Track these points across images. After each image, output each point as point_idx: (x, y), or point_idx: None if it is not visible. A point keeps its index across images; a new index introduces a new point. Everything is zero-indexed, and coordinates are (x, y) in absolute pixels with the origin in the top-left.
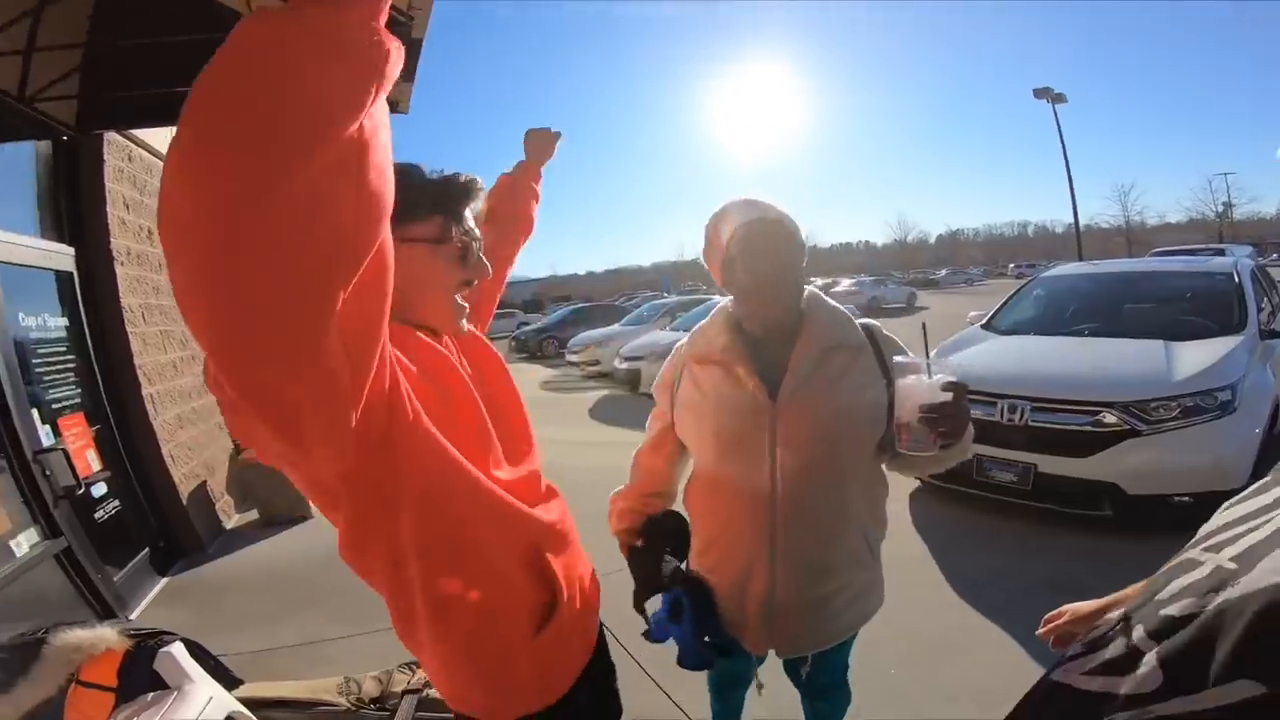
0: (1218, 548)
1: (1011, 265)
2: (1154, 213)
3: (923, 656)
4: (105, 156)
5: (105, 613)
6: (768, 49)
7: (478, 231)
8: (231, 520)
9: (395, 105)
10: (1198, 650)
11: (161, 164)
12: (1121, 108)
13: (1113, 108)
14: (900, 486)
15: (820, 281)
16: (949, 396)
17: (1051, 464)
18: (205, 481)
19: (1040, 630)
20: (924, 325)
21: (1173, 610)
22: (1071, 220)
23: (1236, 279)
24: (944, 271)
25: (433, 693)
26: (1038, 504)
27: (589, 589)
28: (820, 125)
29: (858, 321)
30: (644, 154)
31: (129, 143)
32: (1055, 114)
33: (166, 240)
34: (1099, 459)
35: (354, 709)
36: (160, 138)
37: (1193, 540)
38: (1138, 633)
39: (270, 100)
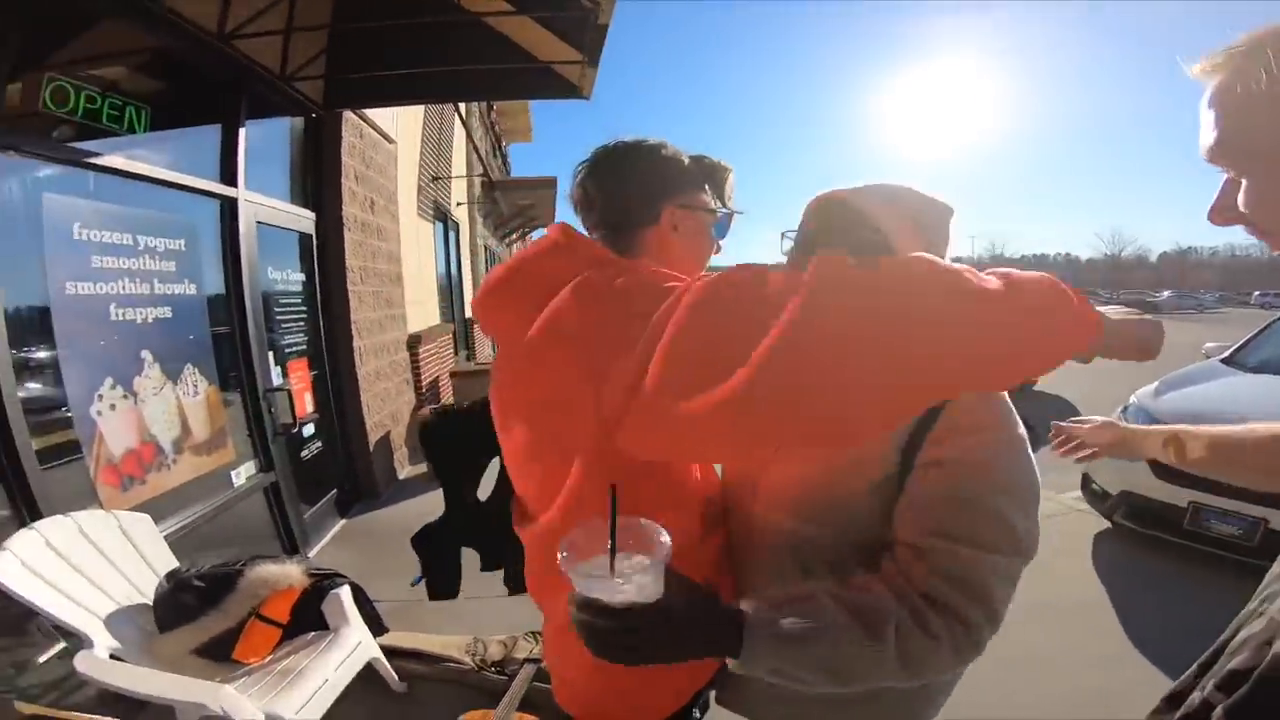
0: (1273, 598)
1: (1256, 294)
2: None
3: (1073, 707)
4: (343, 133)
5: (291, 548)
6: (952, 42)
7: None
8: (404, 471)
9: (579, 90)
10: (1259, 705)
11: (382, 140)
12: None
13: None
14: (1084, 524)
15: None
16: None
17: None
18: (389, 432)
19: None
20: (612, 490)
21: (1235, 663)
22: None
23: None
24: (1167, 294)
25: None
26: (1262, 562)
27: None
28: (1016, 125)
29: None
30: (796, 146)
31: (360, 121)
32: None
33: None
34: None
35: (476, 669)
36: (384, 118)
37: (1260, 586)
38: (1209, 686)
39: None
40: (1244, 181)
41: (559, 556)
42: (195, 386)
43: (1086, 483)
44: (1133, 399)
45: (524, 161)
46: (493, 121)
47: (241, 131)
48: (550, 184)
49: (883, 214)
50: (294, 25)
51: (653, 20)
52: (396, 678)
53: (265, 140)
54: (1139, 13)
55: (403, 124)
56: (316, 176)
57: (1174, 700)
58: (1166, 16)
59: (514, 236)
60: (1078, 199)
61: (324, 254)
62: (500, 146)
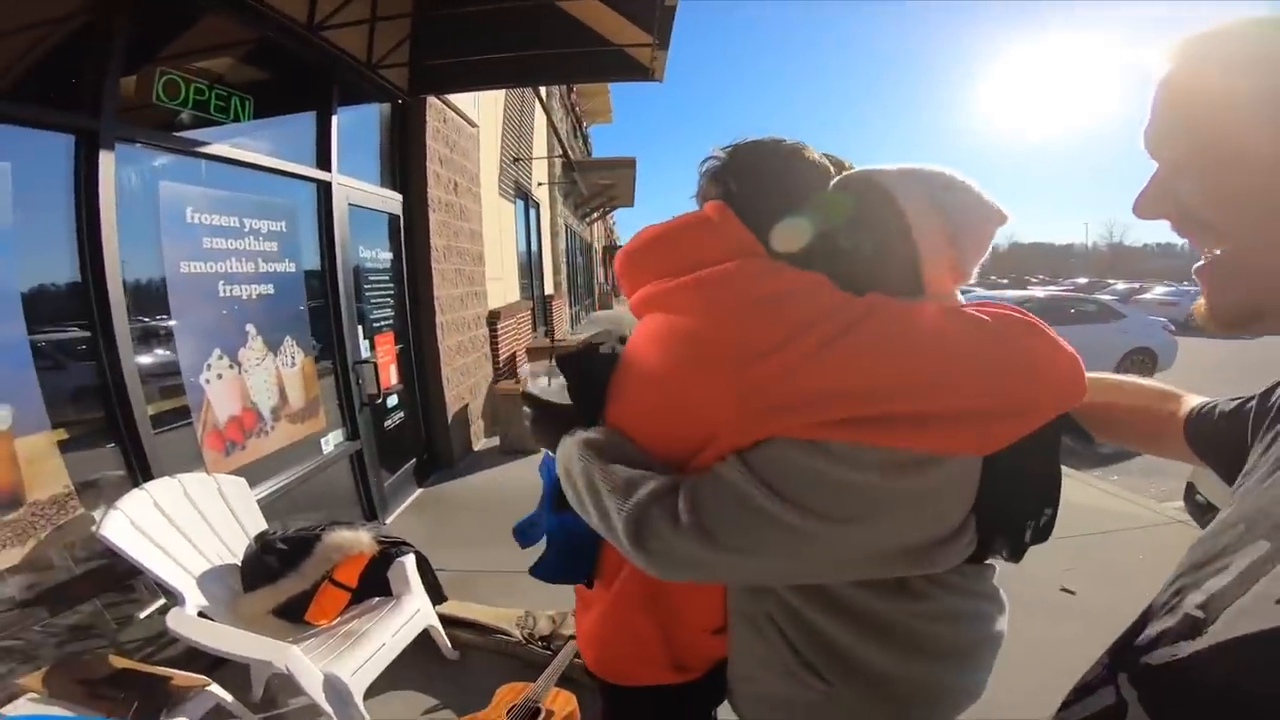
0: (1185, 591)
1: None
2: None
3: None
4: (427, 118)
5: (370, 514)
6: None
7: None
8: (479, 443)
9: (651, 73)
10: (1180, 700)
11: (465, 124)
12: None
13: None
14: (1185, 537)
15: (1122, 285)
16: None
17: None
18: (467, 405)
19: None
20: (554, 344)
21: (1150, 659)
22: None
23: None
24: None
25: None
26: None
27: None
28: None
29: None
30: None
31: (444, 106)
32: None
33: None
34: None
35: (524, 642)
36: (466, 102)
37: (1172, 574)
38: (1122, 682)
39: None
40: (1191, 175)
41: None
42: (293, 358)
43: (1190, 493)
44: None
45: (605, 142)
46: (573, 103)
47: (334, 118)
48: (629, 164)
49: (922, 220)
50: (378, 15)
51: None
52: (450, 646)
53: (355, 126)
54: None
55: (484, 108)
56: (403, 160)
57: (1084, 691)
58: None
59: (594, 215)
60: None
61: (410, 234)
62: (581, 128)
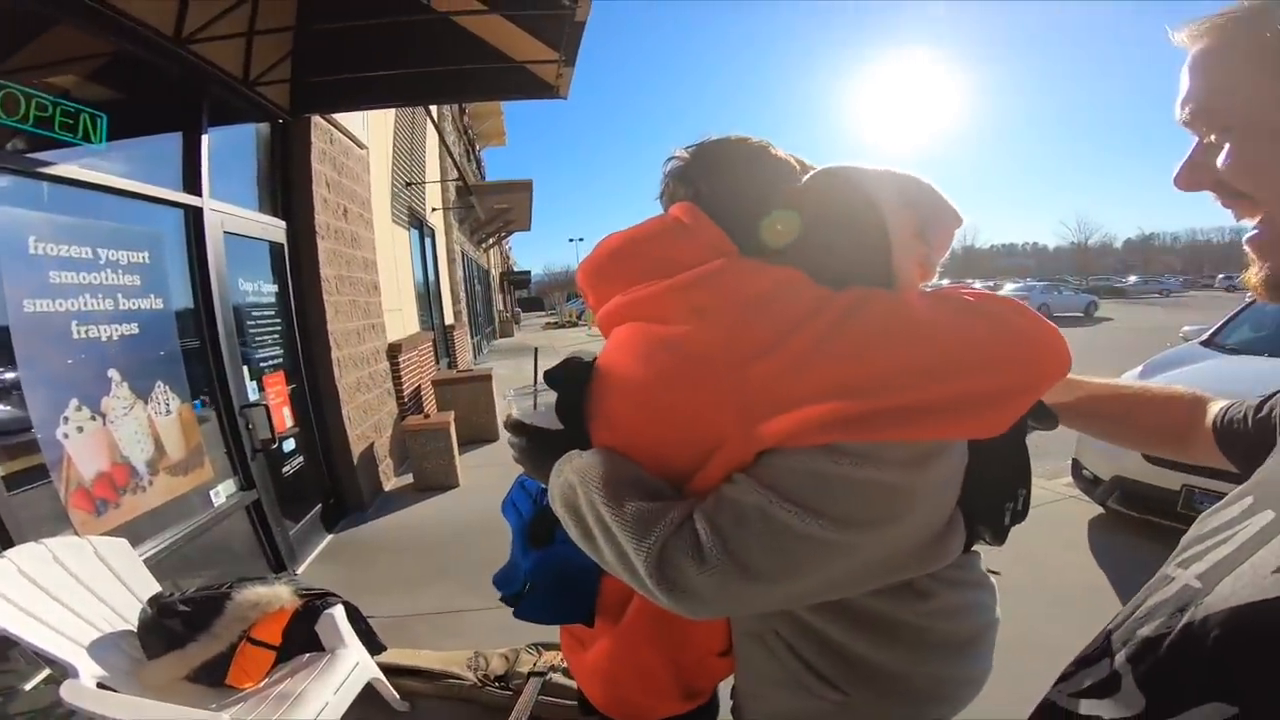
0: (1187, 563)
1: (1220, 276)
2: None
3: None
4: (312, 139)
5: (277, 565)
6: (922, 36)
7: None
8: (390, 482)
9: (556, 91)
10: (1172, 672)
11: (354, 145)
12: None
13: None
14: (1078, 510)
15: (979, 284)
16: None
17: None
18: (373, 444)
19: None
20: (535, 350)
21: (1146, 630)
22: None
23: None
24: (1133, 279)
25: (557, 677)
26: None
27: None
28: (977, 117)
29: None
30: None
31: (331, 127)
32: None
33: None
34: None
35: (479, 684)
36: (354, 123)
37: (1174, 552)
38: (1119, 654)
39: None
40: (1226, 145)
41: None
42: (167, 404)
43: (1077, 469)
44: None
45: (499, 165)
46: (466, 125)
47: (204, 138)
48: (526, 187)
49: (894, 216)
50: (256, 28)
51: (617, 17)
52: (398, 696)
53: (231, 147)
54: (1100, 9)
55: (374, 129)
56: (286, 184)
57: (1084, 663)
58: (1127, 11)
59: (491, 241)
60: (1043, 188)
61: (297, 264)
62: (474, 151)
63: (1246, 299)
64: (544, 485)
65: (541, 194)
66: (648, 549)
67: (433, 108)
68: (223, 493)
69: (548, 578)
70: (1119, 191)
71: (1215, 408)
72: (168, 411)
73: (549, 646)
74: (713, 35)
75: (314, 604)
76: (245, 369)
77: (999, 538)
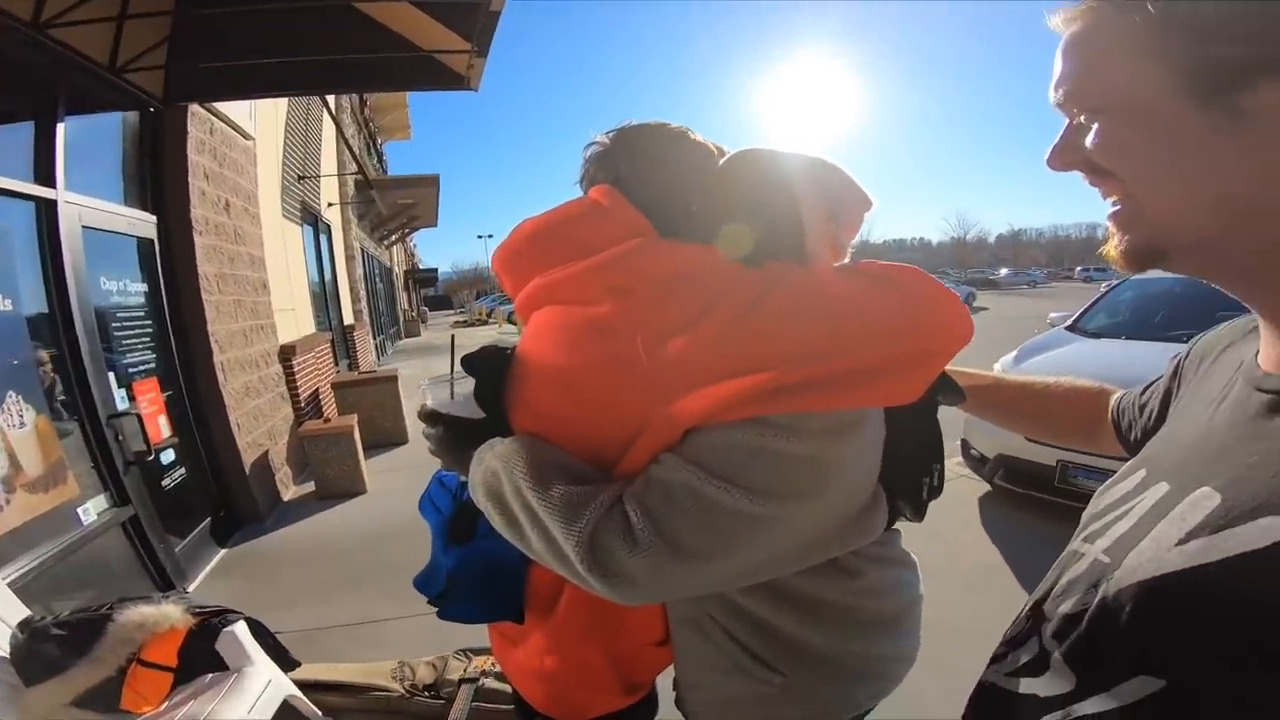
0: (1093, 537)
1: (1079, 269)
2: None
3: None
4: (189, 129)
5: (165, 584)
6: (818, 40)
7: None
8: (289, 491)
9: (466, 82)
10: (1096, 647)
11: (238, 136)
12: None
13: None
14: (968, 489)
15: None
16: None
17: None
18: (267, 451)
19: None
20: (452, 337)
21: (1066, 607)
22: None
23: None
24: (1004, 271)
25: (489, 682)
26: None
27: None
28: (873, 119)
29: None
30: None
31: (211, 116)
32: None
33: None
34: None
35: (407, 695)
36: (241, 113)
37: (1079, 527)
38: (1044, 631)
39: None
40: (1095, 125)
41: (424, 382)
42: (20, 417)
43: (966, 448)
44: (996, 367)
45: (403, 160)
46: (367, 118)
47: (60, 127)
48: (432, 182)
49: (807, 197)
50: (129, 11)
51: (530, 7)
52: (319, 713)
53: (92, 137)
54: (977, 11)
55: (263, 119)
56: (156, 176)
57: (1013, 643)
58: (1005, 14)
59: (394, 238)
60: (931, 186)
61: (170, 261)
62: (376, 144)
63: (1101, 289)
64: (463, 478)
65: (449, 189)
66: (578, 533)
67: (330, 98)
68: (93, 510)
69: (472, 574)
70: (993, 190)
71: (1113, 400)
72: (22, 424)
73: (479, 651)
74: (628, 32)
75: (211, 622)
76: (112, 376)
77: (918, 513)
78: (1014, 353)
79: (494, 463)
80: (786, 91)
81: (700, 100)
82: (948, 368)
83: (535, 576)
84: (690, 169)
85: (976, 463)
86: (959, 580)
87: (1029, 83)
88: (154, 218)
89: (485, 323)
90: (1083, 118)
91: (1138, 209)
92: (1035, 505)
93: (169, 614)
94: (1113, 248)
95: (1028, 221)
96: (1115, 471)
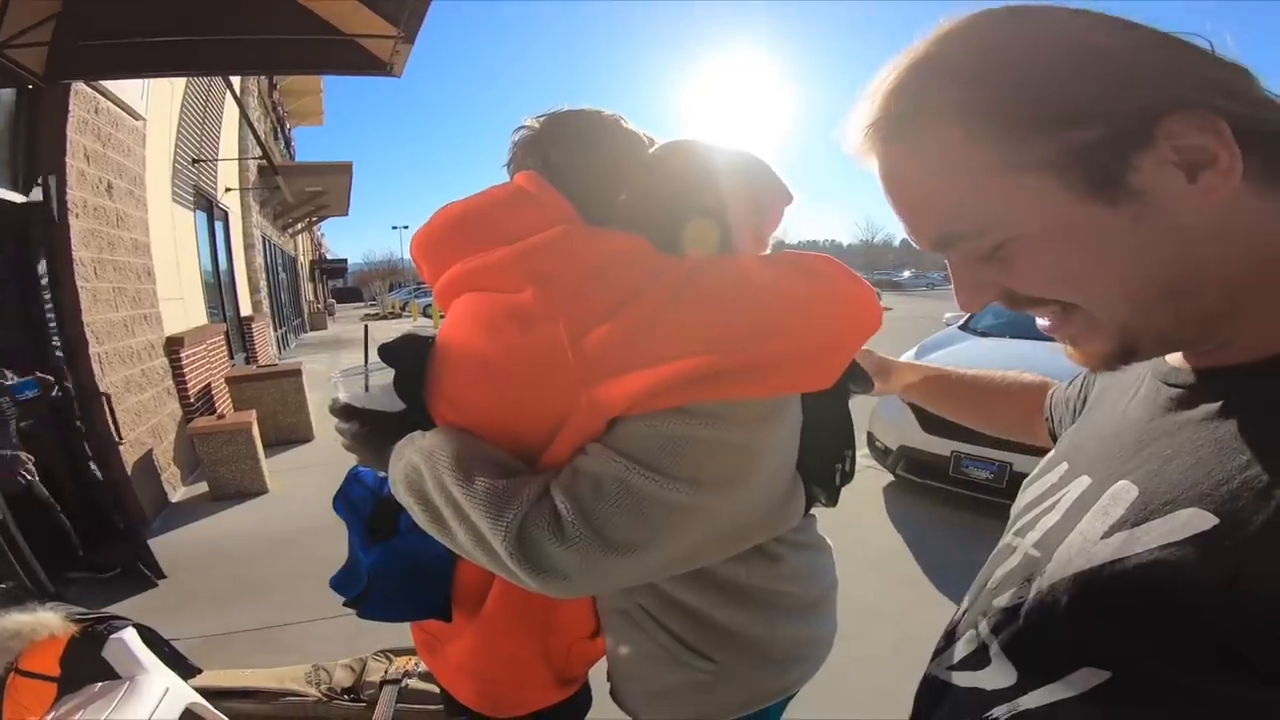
0: (1023, 531)
1: None
2: None
3: (909, 654)
4: (70, 107)
5: (38, 591)
6: (735, 40)
7: None
8: (177, 493)
9: (390, 68)
10: (1035, 640)
11: (126, 115)
12: None
13: None
14: (874, 479)
15: None
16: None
17: (1026, 463)
18: (151, 451)
19: None
20: (366, 327)
21: (1002, 601)
22: None
23: None
24: (907, 274)
25: (413, 683)
26: (1011, 501)
27: None
28: (790, 120)
29: None
30: None
31: (99, 95)
32: None
33: None
34: None
35: (325, 699)
36: (132, 92)
37: (1009, 521)
38: (981, 626)
39: None
40: (1014, 259)
41: (336, 374)
42: None
43: (871, 440)
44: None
45: (314, 146)
46: (275, 101)
47: None
48: (345, 169)
49: (733, 189)
50: None
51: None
52: None
53: None
54: (879, 10)
55: (157, 99)
56: (30, 155)
57: (951, 637)
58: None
59: (299, 226)
60: (843, 190)
61: (42, 244)
62: (284, 129)
63: None
64: (382, 474)
65: (363, 178)
66: (506, 526)
67: (236, 79)
68: None
69: (395, 572)
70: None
71: (1049, 394)
72: None
73: (400, 652)
74: (556, 25)
75: (95, 629)
76: None
77: (832, 499)
78: (914, 350)
79: (415, 457)
80: (711, 90)
81: (625, 96)
82: (909, 360)
83: (462, 573)
84: (622, 158)
85: (880, 454)
86: (865, 563)
87: None
88: (22, 197)
89: (399, 315)
90: (982, 256)
91: (1092, 323)
92: (932, 494)
93: (46, 621)
94: (1078, 355)
95: None
96: (1000, 463)
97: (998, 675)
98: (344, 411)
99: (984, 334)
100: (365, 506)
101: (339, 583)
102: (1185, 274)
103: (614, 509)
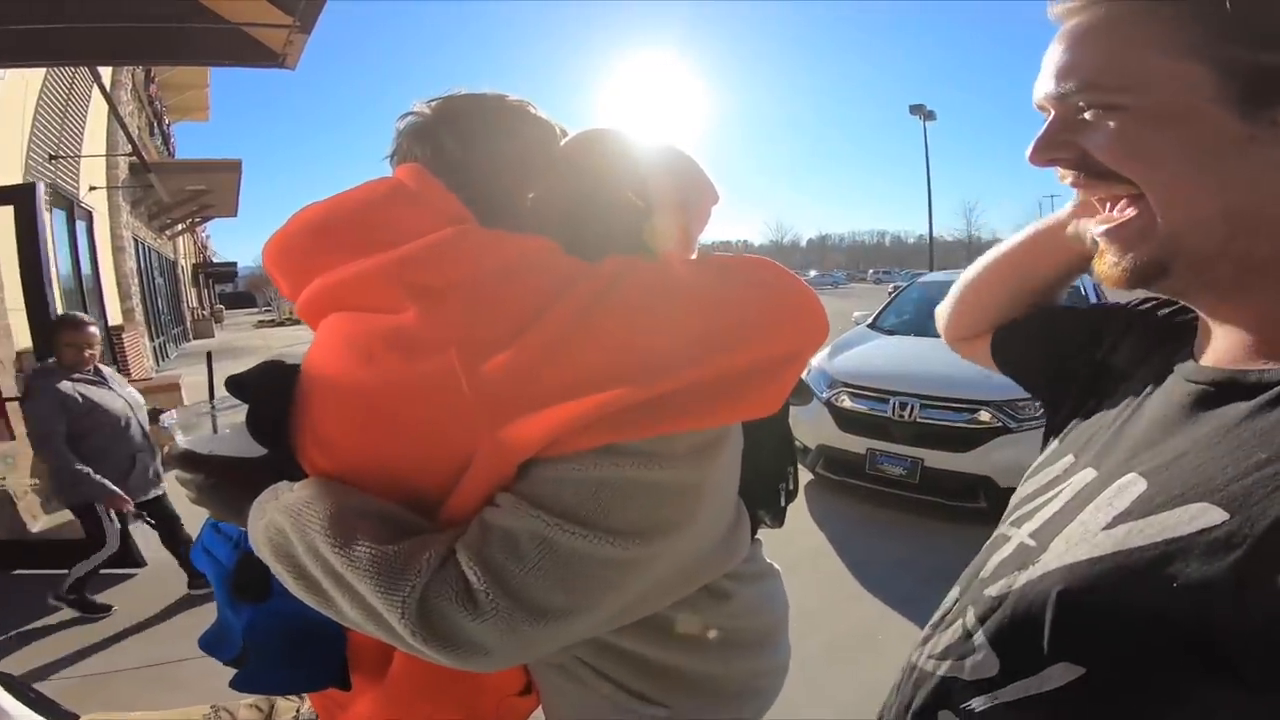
0: (1020, 521)
1: (871, 271)
2: (990, 229)
3: (841, 651)
4: None
5: None
6: (650, 40)
7: None
8: (38, 523)
9: (282, 60)
10: (1019, 632)
11: None
12: (976, 128)
13: (968, 128)
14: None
15: None
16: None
17: (936, 458)
18: (3, 480)
19: None
20: (209, 354)
21: (992, 590)
22: (922, 231)
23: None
24: (813, 273)
25: None
26: (924, 496)
27: None
28: (705, 120)
29: None
30: None
31: None
32: (925, 131)
33: None
34: (975, 454)
35: None
36: None
37: (1006, 510)
38: (969, 614)
39: None
40: (1110, 124)
41: (171, 417)
42: None
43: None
44: (812, 362)
45: (199, 143)
46: (152, 95)
47: None
48: (232, 167)
49: (657, 182)
50: None
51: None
52: None
53: None
54: (798, 11)
55: (9, 90)
56: None
57: (938, 626)
58: (816, 19)
59: (180, 227)
60: (754, 190)
61: None
62: (161, 124)
63: (889, 291)
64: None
65: (254, 176)
66: (402, 601)
67: (105, 72)
68: None
69: (271, 639)
70: (809, 195)
71: (995, 330)
72: None
73: None
74: (470, 23)
75: None
76: None
77: (778, 519)
78: (827, 349)
79: (279, 518)
80: (624, 89)
81: (536, 89)
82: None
83: (356, 636)
84: (528, 149)
85: (800, 453)
86: (788, 563)
87: (840, 99)
88: None
89: (296, 322)
90: (1088, 114)
91: (1149, 221)
92: (852, 491)
93: None
94: (1109, 265)
95: (832, 227)
96: (913, 459)
97: (981, 665)
98: (184, 460)
99: (890, 333)
100: (228, 560)
101: (209, 643)
102: (1253, 210)
103: (534, 573)
